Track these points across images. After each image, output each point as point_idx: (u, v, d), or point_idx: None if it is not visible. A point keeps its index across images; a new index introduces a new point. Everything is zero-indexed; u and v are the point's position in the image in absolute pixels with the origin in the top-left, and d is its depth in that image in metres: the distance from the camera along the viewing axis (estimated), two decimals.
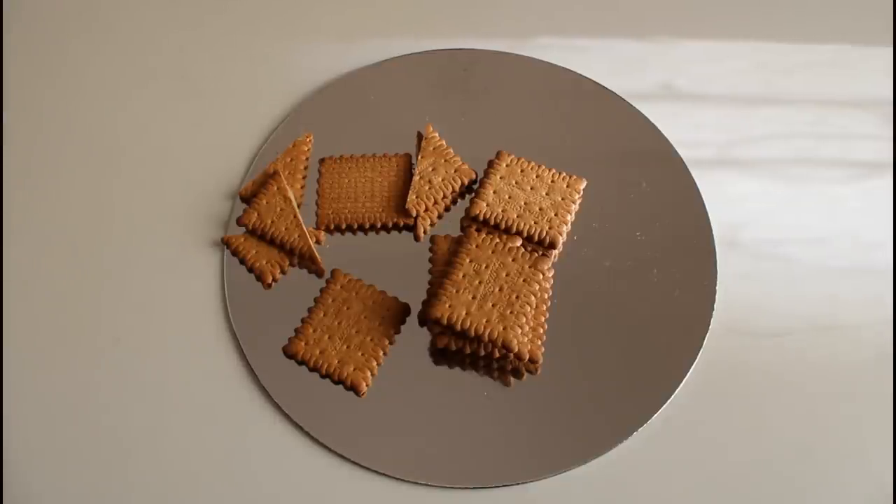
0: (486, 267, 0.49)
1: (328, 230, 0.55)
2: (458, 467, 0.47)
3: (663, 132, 0.58)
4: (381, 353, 0.50)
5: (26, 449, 0.49)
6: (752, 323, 0.52)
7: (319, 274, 0.53)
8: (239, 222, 0.54)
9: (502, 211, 0.53)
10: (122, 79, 0.62)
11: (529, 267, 0.50)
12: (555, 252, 0.52)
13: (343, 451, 0.47)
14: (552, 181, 0.54)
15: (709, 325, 0.51)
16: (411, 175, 0.56)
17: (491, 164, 0.55)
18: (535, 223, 0.53)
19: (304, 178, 0.56)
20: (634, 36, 0.65)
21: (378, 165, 0.56)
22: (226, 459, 0.48)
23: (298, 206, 0.54)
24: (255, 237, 0.54)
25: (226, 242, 0.54)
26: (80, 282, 0.54)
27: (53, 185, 0.58)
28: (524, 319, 0.48)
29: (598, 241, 0.54)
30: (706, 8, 0.66)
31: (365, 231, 0.55)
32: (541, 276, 0.49)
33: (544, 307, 0.50)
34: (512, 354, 0.48)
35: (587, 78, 0.60)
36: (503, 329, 0.47)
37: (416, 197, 0.54)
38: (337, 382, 0.49)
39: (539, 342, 0.49)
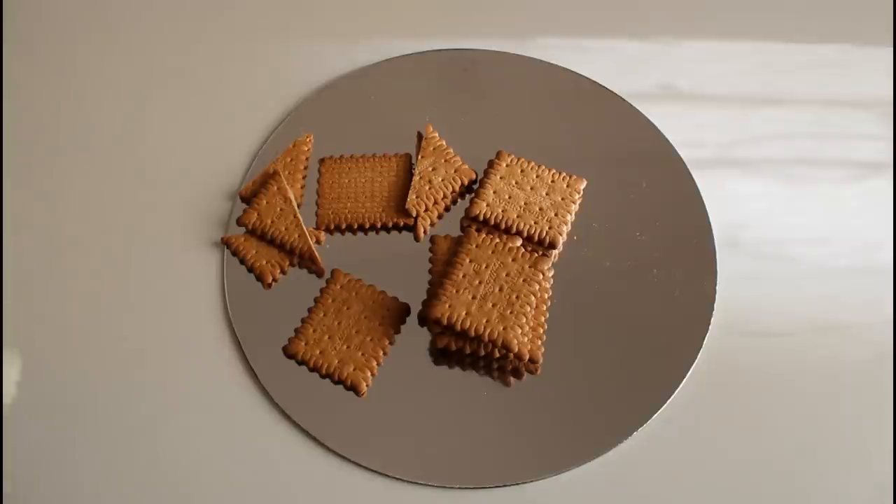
0: (486, 267, 0.49)
1: (328, 230, 0.55)
2: (458, 467, 0.47)
3: (663, 132, 0.58)
4: (381, 353, 0.50)
5: (26, 449, 0.49)
6: (752, 323, 0.52)
7: (319, 274, 0.53)
8: (239, 222, 0.54)
9: (502, 211, 0.53)
10: (123, 79, 0.62)
11: (529, 267, 0.50)
12: (555, 252, 0.52)
13: (343, 451, 0.47)
14: (552, 181, 0.54)
15: (709, 325, 0.51)
16: (411, 175, 0.56)
17: (491, 164, 0.55)
18: (535, 223, 0.53)
19: (304, 178, 0.56)
20: (635, 36, 0.65)
21: (378, 165, 0.56)
22: (226, 459, 0.48)
23: (298, 206, 0.54)
24: (255, 237, 0.54)
25: (226, 242, 0.54)
26: (80, 281, 0.54)
27: (53, 184, 0.58)
28: (524, 319, 0.48)
29: (598, 241, 0.54)
30: (707, 8, 0.66)
31: (365, 231, 0.55)
32: (541, 276, 0.49)
33: (544, 307, 0.50)
34: (512, 354, 0.48)
35: (587, 78, 0.60)
36: (503, 329, 0.47)
37: (416, 197, 0.54)
38: (337, 382, 0.49)
39: (539, 342, 0.49)
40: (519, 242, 0.52)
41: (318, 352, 0.50)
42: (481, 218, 0.53)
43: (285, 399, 0.49)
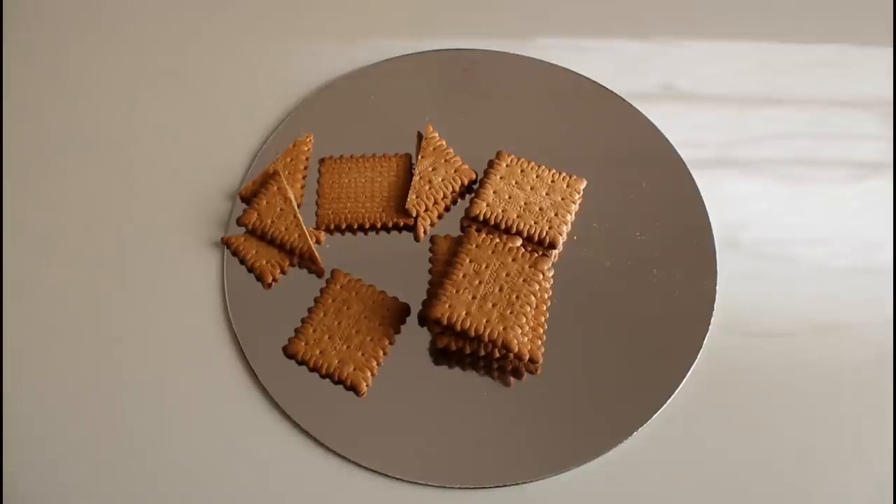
0: (486, 267, 0.49)
1: (328, 230, 0.55)
2: (458, 467, 0.47)
3: (663, 132, 0.58)
4: (381, 353, 0.50)
5: (26, 449, 0.49)
6: (752, 323, 0.52)
7: (319, 274, 0.53)
8: (239, 222, 0.54)
9: (502, 211, 0.53)
10: (123, 79, 0.62)
11: (529, 267, 0.50)
12: (555, 252, 0.52)
13: (343, 451, 0.47)
14: (552, 181, 0.54)
15: (709, 325, 0.51)
16: (411, 175, 0.56)
17: (491, 164, 0.55)
18: (535, 223, 0.53)
19: (304, 178, 0.56)
20: (635, 36, 0.65)
21: (378, 165, 0.56)
22: (225, 460, 0.48)
23: (298, 206, 0.54)
24: (255, 237, 0.54)
25: (226, 242, 0.54)
26: (81, 282, 0.54)
27: (53, 185, 0.58)
28: (524, 319, 0.48)
29: (598, 241, 0.54)
30: (707, 8, 0.66)
31: (365, 231, 0.55)
32: (541, 276, 0.49)
33: (544, 307, 0.50)
34: (512, 354, 0.48)
35: (587, 78, 0.60)
36: (503, 329, 0.47)
37: (416, 197, 0.54)
38: (337, 382, 0.49)
39: (539, 342, 0.49)
40: (519, 242, 0.52)
41: (318, 352, 0.50)
42: (481, 218, 0.53)
43: (285, 399, 0.49)
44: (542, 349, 0.49)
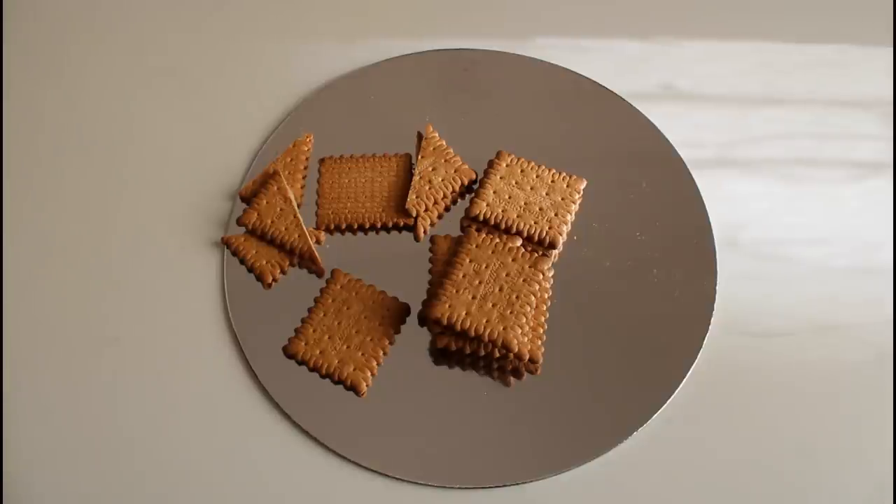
0: (486, 267, 0.49)
1: (328, 230, 0.55)
2: (458, 467, 0.47)
3: (663, 132, 0.58)
4: (381, 353, 0.50)
5: (26, 449, 0.49)
6: (752, 323, 0.52)
7: (319, 274, 0.53)
8: (239, 222, 0.54)
9: (502, 211, 0.53)
10: (123, 79, 0.62)
11: (529, 267, 0.50)
12: (555, 252, 0.52)
13: (343, 451, 0.47)
14: (552, 181, 0.54)
15: (709, 325, 0.51)
16: (411, 175, 0.56)
17: (491, 164, 0.55)
18: (535, 223, 0.53)
19: (304, 178, 0.56)
20: (635, 36, 0.65)
21: (378, 165, 0.56)
22: (226, 460, 0.48)
23: (298, 206, 0.54)
24: (255, 237, 0.54)
25: (226, 242, 0.54)
26: (81, 281, 0.54)
27: (53, 184, 0.58)
28: (524, 319, 0.48)
29: (598, 241, 0.54)
30: (707, 8, 0.66)
31: (365, 231, 0.55)
32: (541, 276, 0.49)
33: (544, 307, 0.50)
34: (512, 354, 0.48)
35: (587, 78, 0.60)
36: (503, 329, 0.47)
37: (416, 197, 0.54)
38: (337, 382, 0.49)
39: (539, 342, 0.49)
40: (519, 242, 0.52)
41: (318, 352, 0.50)
42: (481, 218, 0.53)
43: (285, 399, 0.49)
44: (542, 349, 0.49)
